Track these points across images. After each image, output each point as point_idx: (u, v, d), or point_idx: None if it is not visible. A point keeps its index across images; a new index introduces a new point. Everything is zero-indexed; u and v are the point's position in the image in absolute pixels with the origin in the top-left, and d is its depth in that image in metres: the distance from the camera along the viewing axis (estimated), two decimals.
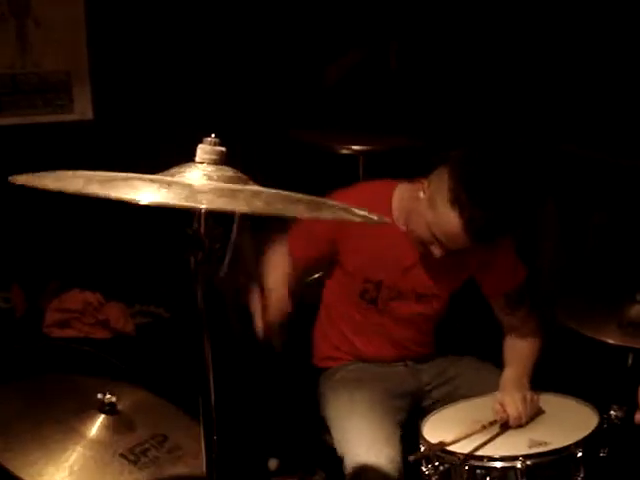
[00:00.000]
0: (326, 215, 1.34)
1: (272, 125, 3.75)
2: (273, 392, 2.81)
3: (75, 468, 1.69)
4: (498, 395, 2.24)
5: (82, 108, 3.55)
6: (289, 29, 3.77)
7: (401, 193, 2.33)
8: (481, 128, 3.59)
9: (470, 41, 3.78)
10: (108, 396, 1.78)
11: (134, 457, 1.75)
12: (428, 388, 2.46)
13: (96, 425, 1.77)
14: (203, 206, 1.20)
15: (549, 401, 2.25)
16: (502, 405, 2.19)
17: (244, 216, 1.35)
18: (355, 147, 3.39)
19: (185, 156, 1.41)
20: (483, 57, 3.75)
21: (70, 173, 1.28)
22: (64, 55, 3.49)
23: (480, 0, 3.76)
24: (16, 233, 3.45)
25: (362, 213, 1.32)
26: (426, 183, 2.19)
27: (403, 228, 2.30)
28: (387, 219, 1.34)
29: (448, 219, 2.10)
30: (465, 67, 3.79)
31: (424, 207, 2.17)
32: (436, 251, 2.20)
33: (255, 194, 1.23)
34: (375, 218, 1.32)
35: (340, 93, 3.79)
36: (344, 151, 3.41)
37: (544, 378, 2.40)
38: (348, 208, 1.34)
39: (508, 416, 2.16)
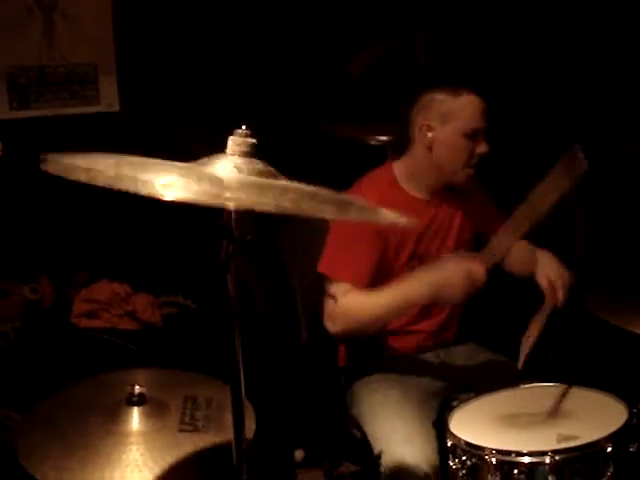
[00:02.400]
0: (353, 216, 1.33)
1: (300, 117, 3.75)
2: (300, 383, 2.82)
3: (139, 463, 1.66)
4: (543, 278, 2.36)
5: (109, 100, 3.56)
6: (316, 21, 3.77)
7: (402, 165, 2.43)
8: (509, 123, 3.57)
9: (504, 30, 3.76)
10: (137, 388, 1.78)
11: (191, 426, 1.76)
12: (457, 386, 2.45)
13: (134, 419, 1.76)
14: (230, 204, 1.19)
15: (578, 395, 2.24)
16: (552, 287, 2.32)
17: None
18: (382, 137, 3.39)
19: (213, 148, 1.41)
20: (509, 52, 3.72)
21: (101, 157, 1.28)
22: (91, 47, 3.50)
23: None
24: (45, 224, 3.47)
25: (388, 214, 1.31)
26: (420, 125, 2.33)
27: (417, 195, 2.40)
28: (408, 220, 1.34)
29: (465, 104, 2.30)
30: (492, 59, 3.76)
31: (444, 133, 2.31)
32: (483, 147, 2.33)
33: (283, 191, 1.22)
34: (401, 220, 1.31)
35: (367, 85, 3.78)
36: (372, 142, 3.41)
37: (573, 371, 2.39)
38: (375, 209, 1.34)
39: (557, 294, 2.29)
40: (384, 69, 3.75)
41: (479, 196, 2.55)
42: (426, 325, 2.47)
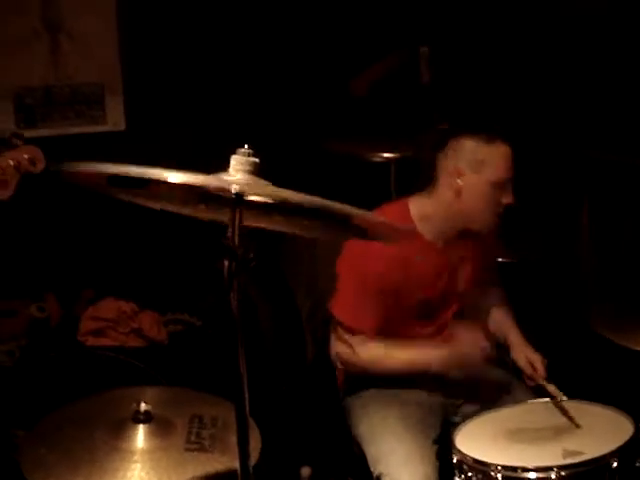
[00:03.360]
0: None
1: (303, 134, 3.76)
2: (306, 400, 2.81)
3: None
4: (518, 355, 2.42)
5: (115, 119, 3.59)
6: (319, 38, 3.78)
7: (420, 206, 2.38)
8: (511, 135, 3.57)
9: (499, 49, 3.77)
10: (143, 405, 1.78)
11: (197, 445, 1.76)
12: (458, 402, 2.45)
13: (140, 437, 1.76)
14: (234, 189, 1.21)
15: (583, 410, 2.23)
16: (532, 365, 2.36)
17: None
18: (386, 154, 3.40)
19: (217, 167, 1.42)
20: (511, 65, 3.74)
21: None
22: (97, 67, 3.54)
23: (511, 11, 3.75)
24: (51, 242, 3.49)
25: (406, 227, 1.33)
26: (450, 170, 2.29)
27: (430, 239, 2.36)
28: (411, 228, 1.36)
29: (498, 153, 2.28)
30: (494, 74, 3.78)
31: (474, 180, 2.28)
32: (509, 197, 2.32)
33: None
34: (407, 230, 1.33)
35: (370, 102, 3.79)
36: (376, 159, 3.41)
37: (578, 387, 2.38)
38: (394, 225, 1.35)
39: (539, 370, 2.33)
40: (387, 86, 3.76)
41: (488, 242, 2.52)
42: (423, 333, 2.47)
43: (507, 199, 2.31)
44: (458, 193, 2.30)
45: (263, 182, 1.30)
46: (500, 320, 2.57)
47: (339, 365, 2.42)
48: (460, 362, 2.29)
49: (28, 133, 3.46)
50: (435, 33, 3.84)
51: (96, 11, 3.50)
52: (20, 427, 2.63)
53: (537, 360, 2.40)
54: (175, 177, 1.16)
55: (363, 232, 1.43)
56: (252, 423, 1.76)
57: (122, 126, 3.60)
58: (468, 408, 2.41)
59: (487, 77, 3.80)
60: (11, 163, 2.12)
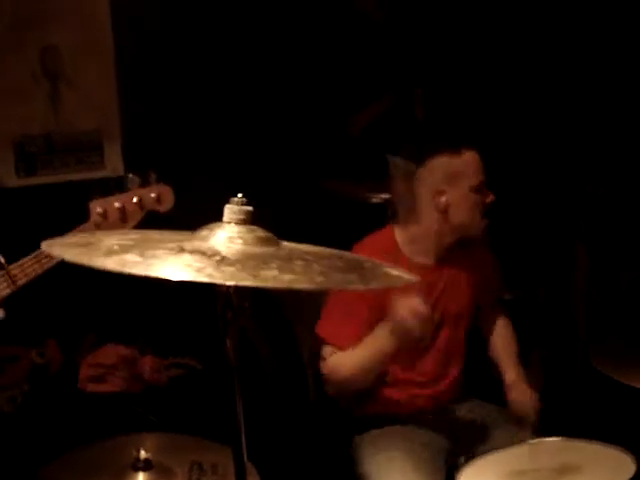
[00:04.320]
0: (375, 285, 1.35)
1: (301, 176, 3.78)
2: (308, 442, 2.80)
3: None
4: (515, 398, 2.41)
5: (113, 164, 3.61)
6: (315, 80, 3.82)
7: (406, 233, 2.41)
8: (508, 173, 3.60)
9: (494, 86, 3.81)
10: (142, 453, 1.78)
11: None
12: (463, 444, 2.44)
13: None
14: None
15: (584, 449, 2.22)
16: (523, 411, 2.38)
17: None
18: (384, 195, 3.41)
19: (215, 212, 1.43)
20: (507, 102, 3.77)
21: (94, 240, 1.30)
22: (96, 114, 3.57)
23: (503, 46, 3.79)
24: (51, 288, 3.49)
25: (408, 277, 1.33)
26: (431, 191, 2.33)
27: (420, 261, 2.39)
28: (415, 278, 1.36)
29: (468, 161, 2.34)
30: (490, 111, 3.81)
31: (456, 194, 2.33)
32: (491, 196, 2.38)
33: (285, 261, 1.23)
34: (414, 278, 1.34)
35: (367, 142, 3.82)
36: (374, 200, 3.42)
37: (580, 425, 2.38)
38: (387, 270, 1.35)
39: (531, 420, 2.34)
40: (383, 126, 3.79)
41: (484, 264, 2.56)
42: (414, 376, 2.46)
43: (489, 198, 2.37)
44: (445, 211, 2.34)
45: (256, 233, 1.30)
46: (499, 353, 2.57)
47: (327, 390, 2.40)
48: (404, 330, 2.20)
49: (28, 181, 3.54)
50: (428, 75, 3.88)
51: (95, 58, 3.55)
52: (22, 475, 2.62)
53: (529, 406, 2.39)
54: (170, 274, 1.16)
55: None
56: (252, 469, 1.76)
57: (121, 171, 3.62)
58: (473, 449, 2.40)
59: (482, 114, 3.83)
60: (135, 200, 2.14)
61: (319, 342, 2.38)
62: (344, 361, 2.31)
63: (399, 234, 2.43)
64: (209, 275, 1.16)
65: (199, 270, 1.17)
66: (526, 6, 3.79)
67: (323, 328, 2.39)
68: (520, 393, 2.44)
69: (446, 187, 2.34)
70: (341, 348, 2.31)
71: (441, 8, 3.95)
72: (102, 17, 3.53)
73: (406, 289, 2.20)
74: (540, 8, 3.75)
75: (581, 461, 2.16)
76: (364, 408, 2.49)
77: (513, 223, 3.47)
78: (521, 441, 2.27)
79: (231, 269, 1.19)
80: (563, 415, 2.49)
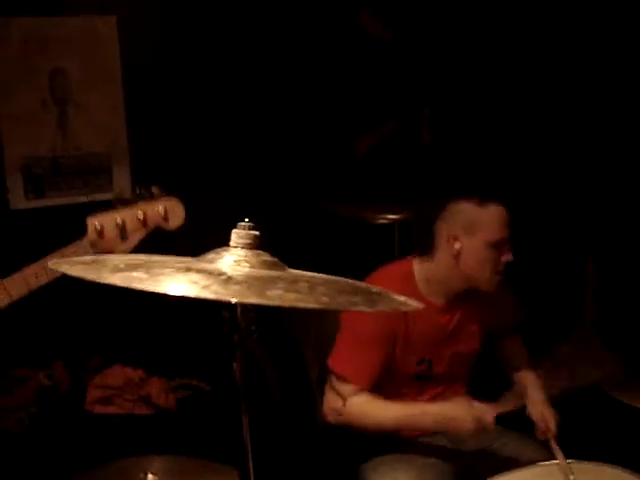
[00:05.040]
0: (382, 308, 1.34)
1: (307, 198, 3.78)
2: (317, 463, 2.79)
3: None
4: (534, 410, 2.40)
5: (121, 186, 3.63)
6: (322, 101, 3.83)
7: (422, 269, 2.38)
8: (519, 195, 3.61)
9: (500, 109, 3.82)
10: (150, 476, 1.78)
11: None
12: (471, 464, 2.43)
13: None
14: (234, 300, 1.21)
15: (596, 471, 2.21)
16: (545, 421, 2.36)
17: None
18: (391, 216, 3.41)
19: (222, 235, 1.44)
20: (516, 123, 3.78)
21: (101, 260, 1.30)
22: (104, 137, 3.60)
23: (511, 68, 3.80)
24: (59, 310, 3.50)
25: (414, 303, 1.33)
26: (446, 234, 2.30)
27: (433, 300, 2.36)
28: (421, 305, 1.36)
29: (490, 215, 2.27)
30: (496, 133, 3.82)
31: (469, 243, 2.28)
32: (509, 255, 2.32)
33: (290, 283, 1.23)
34: (421, 306, 1.33)
35: (374, 164, 3.82)
36: (380, 221, 3.42)
37: (588, 447, 2.36)
38: (393, 297, 1.35)
39: (551, 428, 2.33)
40: (389, 148, 3.80)
41: (499, 302, 2.52)
42: (422, 396, 2.46)
43: (506, 257, 2.32)
44: (457, 257, 2.31)
45: (262, 257, 1.31)
46: (519, 370, 2.57)
47: (329, 420, 2.37)
48: (449, 425, 2.25)
49: (36, 203, 3.57)
50: (436, 96, 3.89)
51: (103, 83, 3.58)
52: None
53: (551, 417, 2.38)
54: (176, 290, 1.15)
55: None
56: None
57: (129, 194, 3.63)
58: (481, 469, 2.39)
59: (489, 136, 3.84)
60: (139, 216, 1.96)
61: (334, 377, 2.35)
62: (373, 413, 2.30)
63: (417, 269, 2.40)
64: (215, 292, 1.16)
65: (205, 287, 1.17)
66: (536, 29, 3.80)
67: (340, 366, 2.35)
68: (540, 405, 2.43)
69: (462, 234, 2.29)
70: (362, 389, 2.30)
71: (449, 30, 3.96)
72: (110, 41, 3.56)
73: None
74: (550, 31, 3.76)
75: None
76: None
77: (525, 244, 3.47)
78: (531, 462, 2.27)
79: (237, 287, 1.19)
80: (574, 437, 2.46)
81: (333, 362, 2.36)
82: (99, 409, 3.16)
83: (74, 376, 3.37)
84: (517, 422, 2.51)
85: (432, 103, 3.91)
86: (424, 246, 2.36)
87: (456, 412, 2.24)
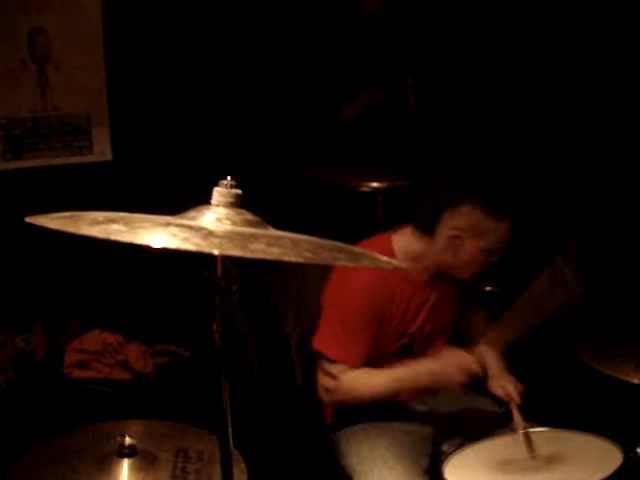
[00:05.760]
0: (366, 263, 1.32)
1: (290, 164, 3.77)
2: (294, 430, 2.79)
3: None
4: (494, 385, 2.39)
5: (101, 149, 3.59)
6: (306, 67, 3.80)
7: (405, 245, 2.37)
8: (501, 164, 3.60)
9: (486, 77, 3.80)
10: (127, 439, 1.76)
11: (183, 479, 1.74)
12: (447, 431, 2.44)
13: (124, 471, 1.74)
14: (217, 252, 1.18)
15: (571, 439, 2.22)
16: (506, 393, 2.34)
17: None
18: (375, 184, 3.39)
19: (203, 196, 1.42)
20: (500, 94, 3.76)
21: (79, 214, 1.28)
22: (84, 98, 3.54)
23: (497, 34, 3.79)
24: (37, 273, 3.48)
25: (395, 262, 1.32)
26: (451, 230, 2.28)
27: (414, 275, 2.36)
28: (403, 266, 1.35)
29: (502, 229, 2.28)
30: (482, 102, 3.80)
31: (471, 245, 2.28)
32: (498, 258, 2.33)
33: (273, 239, 1.22)
34: (403, 266, 1.32)
35: (358, 131, 3.80)
36: (364, 189, 3.40)
37: (566, 416, 2.37)
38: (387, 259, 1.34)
39: (511, 395, 2.32)
40: (374, 115, 3.77)
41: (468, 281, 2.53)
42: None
43: (494, 259, 2.34)
44: (454, 252, 2.30)
45: (245, 216, 1.28)
46: (480, 345, 2.57)
47: (326, 401, 2.39)
48: (439, 378, 2.25)
49: (14, 164, 3.52)
50: (422, 64, 3.86)
51: (83, 43, 3.51)
52: (4, 460, 2.61)
53: (512, 388, 2.37)
54: (156, 242, 1.12)
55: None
56: (238, 456, 1.75)
57: (109, 156, 3.61)
58: (458, 438, 2.40)
59: (474, 105, 3.82)
60: None
61: (324, 359, 2.34)
62: (366, 385, 2.31)
63: (397, 245, 2.38)
64: (196, 244, 1.14)
65: (186, 239, 1.14)
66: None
67: (325, 344, 2.35)
68: (498, 379, 2.42)
69: (466, 233, 2.28)
70: (352, 367, 2.30)
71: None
72: (91, 1, 3.49)
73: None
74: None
75: (568, 451, 2.16)
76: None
77: None
78: (509, 431, 2.28)
79: (218, 240, 1.17)
80: (550, 406, 2.48)
81: (320, 344, 2.35)
82: (77, 373, 3.15)
83: (52, 340, 3.34)
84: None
85: (416, 72, 3.89)
86: (425, 225, 2.34)
87: (444, 367, 2.24)
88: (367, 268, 2.27)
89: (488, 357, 2.50)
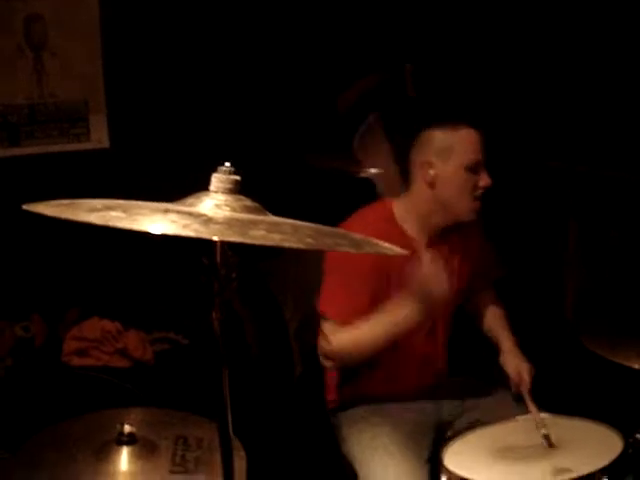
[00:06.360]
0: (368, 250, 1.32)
1: (289, 151, 3.75)
2: (294, 417, 2.79)
3: None
4: (508, 362, 2.41)
5: (98, 137, 3.57)
6: (304, 54, 3.78)
7: (402, 204, 2.39)
8: (499, 151, 3.58)
9: (485, 63, 3.79)
10: (127, 427, 1.75)
11: (182, 467, 1.74)
12: (449, 419, 2.43)
13: (124, 459, 1.74)
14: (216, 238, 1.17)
15: (573, 426, 2.22)
16: (519, 374, 2.36)
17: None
18: (373, 170, 3.38)
19: (201, 183, 1.41)
20: (497, 79, 3.75)
21: (77, 202, 1.27)
22: (80, 85, 3.51)
23: (497, 19, 3.77)
24: (36, 261, 3.47)
25: (399, 250, 1.31)
26: (420, 162, 2.33)
27: (416, 237, 2.37)
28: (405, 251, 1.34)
29: (463, 138, 2.30)
30: (481, 89, 3.79)
31: (444, 169, 2.29)
32: (486, 179, 2.32)
33: (273, 225, 1.21)
34: (404, 252, 1.32)
35: (356, 118, 3.79)
36: (362, 174, 3.39)
37: (568, 402, 2.37)
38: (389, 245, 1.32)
39: (525, 380, 2.34)
40: (373, 102, 3.75)
41: (476, 241, 2.53)
42: (400, 355, 2.44)
43: (483, 181, 2.32)
44: (432, 185, 2.32)
45: (244, 202, 1.27)
46: (493, 323, 2.57)
47: (324, 364, 2.36)
48: (428, 299, 2.18)
49: (11, 152, 3.50)
50: (419, 51, 3.85)
51: (80, 29, 3.48)
52: (3, 447, 2.61)
53: (525, 369, 2.38)
54: (155, 229, 1.11)
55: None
56: (238, 444, 1.74)
57: (106, 143, 3.59)
58: (459, 423, 2.40)
59: (472, 91, 3.80)
60: None
61: (319, 317, 2.34)
62: (353, 339, 2.27)
63: (396, 207, 2.40)
64: (195, 230, 1.13)
65: (185, 226, 1.14)
66: None
67: (323, 304, 2.34)
68: (514, 357, 2.43)
69: (435, 160, 2.30)
70: (344, 324, 2.28)
71: None
72: None
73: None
74: None
75: (570, 437, 2.16)
76: (347, 387, 2.47)
77: (505, 202, 3.46)
78: (510, 417, 2.27)
79: (218, 226, 1.16)
80: (552, 392, 2.48)
81: (323, 304, 2.36)
82: (76, 361, 3.14)
83: (51, 328, 3.34)
84: (494, 377, 2.52)
85: (415, 58, 3.87)
86: (406, 177, 2.37)
87: (424, 294, 2.17)
88: (362, 226, 2.29)
89: (499, 332, 2.50)
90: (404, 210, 2.38)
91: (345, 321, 2.27)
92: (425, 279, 2.16)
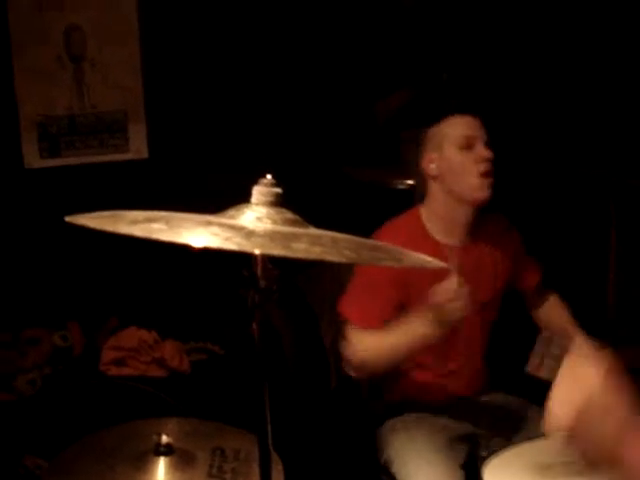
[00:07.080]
0: (407, 263, 1.31)
1: (327, 163, 3.75)
2: (330, 429, 2.78)
3: None
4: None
5: (137, 147, 3.60)
6: (343, 67, 3.79)
7: (426, 209, 2.41)
8: (544, 162, 3.57)
9: (524, 72, 3.76)
10: (164, 438, 1.75)
11: (219, 478, 1.74)
12: (483, 433, 2.40)
13: (161, 469, 1.74)
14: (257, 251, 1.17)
15: None
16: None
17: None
18: (411, 181, 3.37)
19: (240, 194, 1.40)
20: (542, 89, 3.72)
21: (119, 213, 1.26)
22: (120, 96, 3.55)
23: (536, 24, 3.75)
24: (74, 271, 3.49)
25: (438, 262, 1.30)
26: (425, 163, 2.36)
27: (446, 241, 2.37)
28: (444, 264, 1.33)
29: (452, 122, 2.34)
30: (524, 96, 3.77)
31: (441, 157, 2.32)
32: (484, 151, 2.30)
33: (315, 238, 1.20)
34: (442, 264, 1.30)
35: (393, 129, 3.78)
36: (400, 186, 3.39)
37: None
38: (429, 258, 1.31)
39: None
40: (410, 113, 3.75)
41: (511, 245, 2.51)
42: (434, 363, 2.42)
43: (482, 153, 2.29)
44: (437, 178, 2.35)
45: (285, 215, 1.27)
46: (562, 324, 2.53)
47: (348, 372, 2.37)
48: (443, 316, 2.13)
49: (52, 162, 3.53)
50: (456, 61, 3.84)
51: (119, 40, 3.52)
52: (42, 457, 2.62)
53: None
54: (198, 242, 1.11)
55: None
56: (276, 456, 1.73)
57: (145, 154, 3.61)
58: (495, 442, 2.37)
59: (514, 99, 3.78)
60: None
61: (342, 322, 2.34)
62: (373, 348, 2.27)
63: (424, 213, 2.41)
64: (238, 244, 1.12)
65: (227, 239, 1.13)
66: None
67: (346, 308, 2.36)
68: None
69: (434, 154, 2.34)
70: (366, 329, 2.28)
71: None
72: None
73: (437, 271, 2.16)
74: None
75: None
76: (384, 396, 2.47)
77: (547, 212, 3.44)
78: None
79: (260, 240, 1.15)
80: None
81: (344, 308, 2.36)
82: (114, 370, 3.16)
83: (89, 337, 3.36)
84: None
85: (452, 68, 3.86)
86: (421, 190, 2.40)
87: (440, 298, 2.13)
88: (392, 232, 2.34)
89: (572, 331, 2.45)
90: (429, 214, 2.40)
91: (367, 326, 2.27)
92: (444, 295, 2.12)
